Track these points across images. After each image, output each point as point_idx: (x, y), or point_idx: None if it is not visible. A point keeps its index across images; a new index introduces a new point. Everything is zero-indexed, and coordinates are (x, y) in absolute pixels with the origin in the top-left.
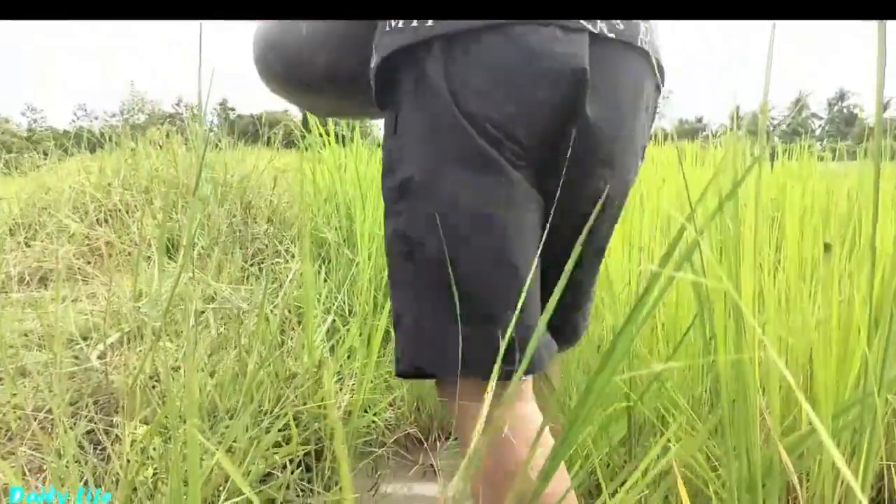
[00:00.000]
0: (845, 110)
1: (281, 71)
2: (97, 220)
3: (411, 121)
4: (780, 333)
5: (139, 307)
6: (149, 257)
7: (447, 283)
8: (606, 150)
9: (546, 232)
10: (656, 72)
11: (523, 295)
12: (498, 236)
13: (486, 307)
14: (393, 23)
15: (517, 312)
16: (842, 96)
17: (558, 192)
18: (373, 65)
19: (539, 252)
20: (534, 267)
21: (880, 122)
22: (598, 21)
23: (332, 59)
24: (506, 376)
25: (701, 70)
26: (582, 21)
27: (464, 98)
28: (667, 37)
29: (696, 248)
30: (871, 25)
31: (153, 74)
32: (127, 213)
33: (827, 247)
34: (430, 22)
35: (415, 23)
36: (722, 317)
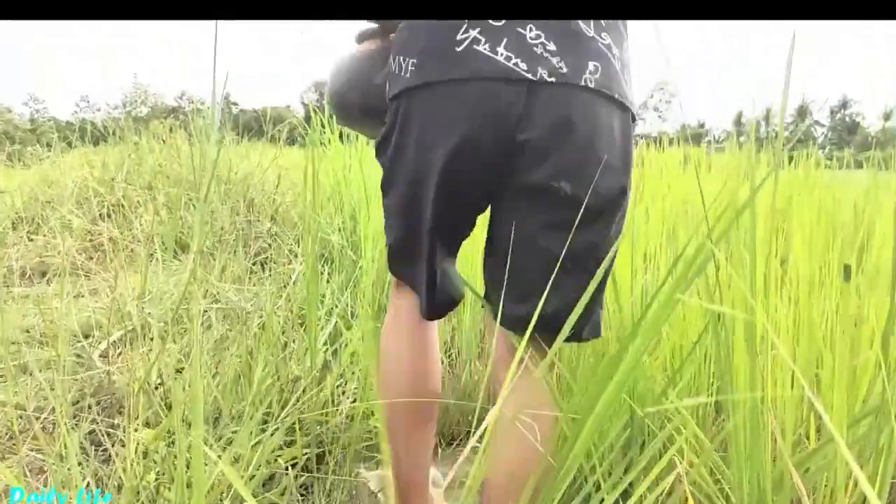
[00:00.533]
0: (847, 118)
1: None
2: (100, 215)
3: (393, 146)
4: (790, 347)
5: (143, 307)
6: (151, 254)
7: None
8: (556, 164)
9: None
10: (615, 99)
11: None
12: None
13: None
14: (395, 70)
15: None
16: (844, 104)
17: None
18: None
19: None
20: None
21: None
22: (541, 69)
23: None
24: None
25: (702, 71)
26: (525, 72)
27: (428, 131)
28: (668, 39)
29: (705, 268)
30: (872, 28)
31: (154, 73)
32: (130, 208)
33: (847, 269)
34: (408, 74)
35: (408, 74)
36: (738, 339)
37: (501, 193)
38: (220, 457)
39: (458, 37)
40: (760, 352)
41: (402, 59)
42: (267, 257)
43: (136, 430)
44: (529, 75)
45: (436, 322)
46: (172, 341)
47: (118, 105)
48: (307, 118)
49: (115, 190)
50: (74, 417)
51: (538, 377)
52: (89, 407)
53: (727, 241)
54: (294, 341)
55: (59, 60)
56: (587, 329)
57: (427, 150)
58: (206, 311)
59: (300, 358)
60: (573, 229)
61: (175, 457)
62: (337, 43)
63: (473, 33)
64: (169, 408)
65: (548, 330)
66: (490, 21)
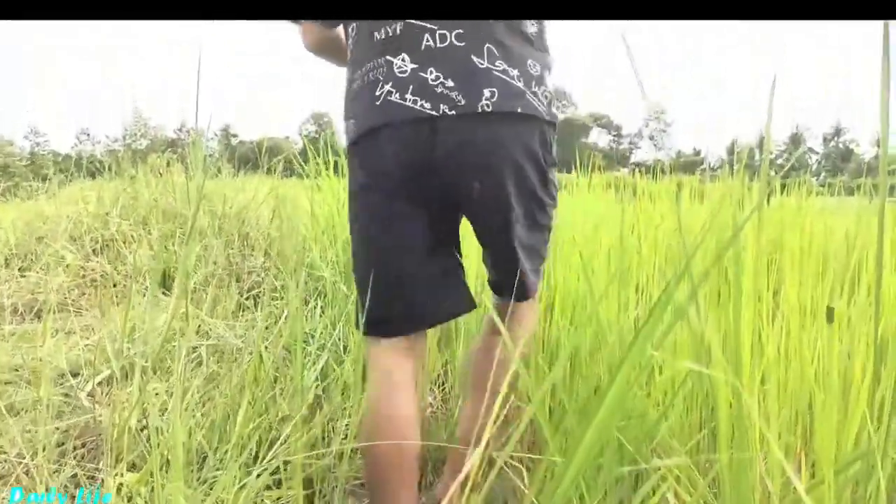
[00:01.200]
0: (841, 145)
1: None
2: (93, 250)
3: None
4: (780, 383)
5: (129, 346)
6: (143, 291)
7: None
8: (467, 171)
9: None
10: (518, 113)
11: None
12: (373, 245)
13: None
14: (345, 133)
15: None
16: (838, 131)
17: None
18: None
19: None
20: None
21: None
22: (443, 105)
23: None
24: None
25: (697, 99)
26: (429, 110)
27: (366, 166)
28: (670, 67)
29: (681, 316)
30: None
31: (156, 76)
32: (124, 243)
33: (830, 312)
34: (350, 133)
35: (350, 133)
36: (725, 403)
37: (449, 205)
38: (203, 501)
39: (377, 93)
40: (743, 414)
41: (347, 123)
42: (260, 292)
43: (118, 475)
44: (433, 112)
45: (411, 366)
46: (159, 380)
47: (118, 137)
48: (304, 151)
49: (109, 224)
50: (58, 461)
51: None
52: (74, 448)
53: (721, 270)
54: (285, 378)
55: (59, 61)
56: (520, 292)
57: (371, 188)
58: (196, 348)
59: (290, 395)
60: (495, 224)
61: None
62: (334, 76)
63: (387, 87)
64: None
65: (496, 292)
66: (397, 73)
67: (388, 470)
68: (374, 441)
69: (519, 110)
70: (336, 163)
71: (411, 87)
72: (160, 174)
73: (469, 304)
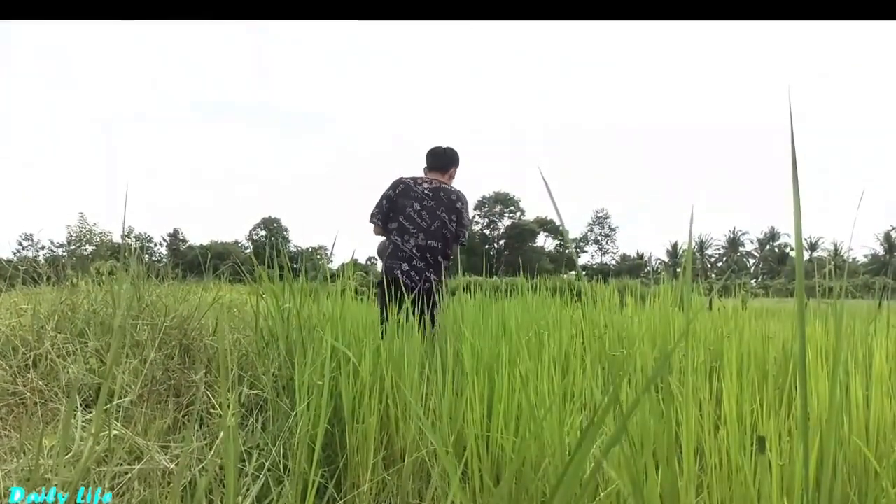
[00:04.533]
0: (777, 249)
1: None
2: (25, 365)
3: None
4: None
5: (50, 474)
6: (74, 409)
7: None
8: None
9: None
10: (434, 270)
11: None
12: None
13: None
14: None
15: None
16: (773, 235)
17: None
18: None
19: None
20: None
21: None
22: (414, 277)
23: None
24: None
25: (641, 204)
26: (407, 280)
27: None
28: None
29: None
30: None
31: (104, 181)
32: (59, 357)
33: (761, 442)
34: (379, 278)
35: (379, 278)
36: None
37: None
38: None
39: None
40: None
41: (382, 273)
42: (198, 409)
43: None
44: (408, 281)
45: None
46: None
47: (62, 243)
48: (256, 254)
49: (42, 339)
50: None
51: None
52: None
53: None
54: (222, 499)
55: None
56: None
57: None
58: (126, 472)
59: None
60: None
61: None
62: (283, 180)
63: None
64: None
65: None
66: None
67: None
68: None
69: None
70: (293, 267)
71: (406, 266)
72: (102, 283)
73: None
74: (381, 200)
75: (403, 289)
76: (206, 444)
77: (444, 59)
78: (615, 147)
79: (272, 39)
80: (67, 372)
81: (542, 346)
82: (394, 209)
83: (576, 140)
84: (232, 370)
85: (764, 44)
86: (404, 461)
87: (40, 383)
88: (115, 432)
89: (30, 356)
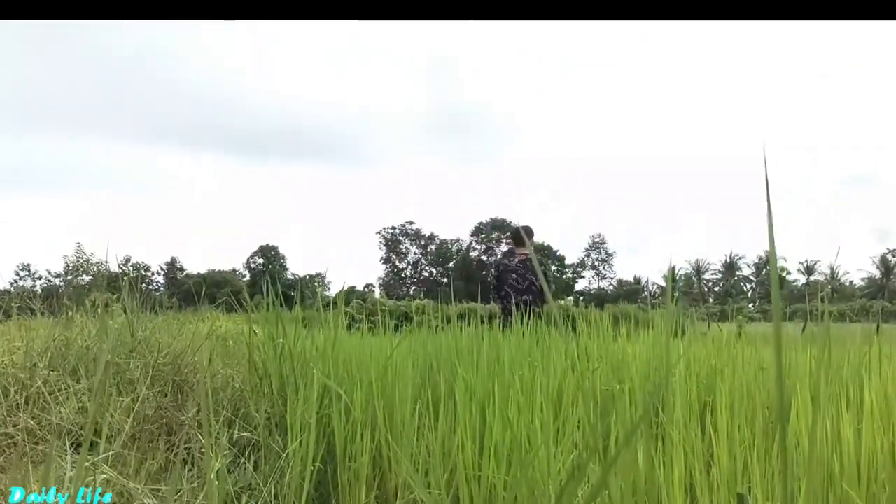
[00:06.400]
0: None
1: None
2: (16, 404)
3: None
4: None
5: None
6: (65, 449)
7: None
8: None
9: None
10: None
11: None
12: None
13: None
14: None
15: None
16: (769, 259)
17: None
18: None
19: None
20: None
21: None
22: (524, 294)
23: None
24: None
25: (638, 226)
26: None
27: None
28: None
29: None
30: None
31: (101, 211)
32: (51, 395)
33: (740, 499)
34: (501, 293)
35: (501, 293)
36: None
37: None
38: None
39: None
40: None
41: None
42: (190, 447)
43: None
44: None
45: None
46: None
47: (59, 273)
48: (252, 283)
49: (35, 378)
50: None
51: None
52: None
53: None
54: None
55: None
56: None
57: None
58: None
59: None
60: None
61: None
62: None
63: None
64: None
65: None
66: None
67: None
68: None
69: (532, 298)
70: (289, 295)
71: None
72: (96, 316)
73: None
74: None
75: None
76: (196, 486)
77: (443, 58)
78: (614, 175)
79: (260, 74)
80: (60, 411)
81: (534, 382)
82: None
83: (575, 141)
84: (223, 410)
85: (763, 44)
86: (397, 500)
87: (31, 423)
88: (103, 476)
89: (21, 395)
